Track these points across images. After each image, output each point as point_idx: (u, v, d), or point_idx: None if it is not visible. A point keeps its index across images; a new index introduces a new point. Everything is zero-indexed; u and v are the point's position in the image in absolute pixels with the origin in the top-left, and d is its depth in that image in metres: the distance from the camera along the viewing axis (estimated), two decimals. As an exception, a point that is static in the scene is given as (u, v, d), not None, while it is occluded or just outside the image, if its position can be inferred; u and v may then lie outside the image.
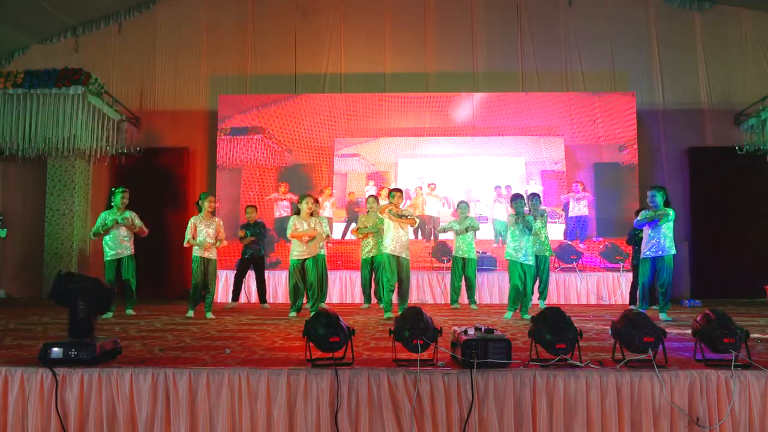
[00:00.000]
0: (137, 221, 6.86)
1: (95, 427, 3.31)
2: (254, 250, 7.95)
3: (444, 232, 8.08)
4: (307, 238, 6.51)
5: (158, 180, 9.76)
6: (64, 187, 9.45)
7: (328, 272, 8.78)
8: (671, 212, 6.29)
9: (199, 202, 6.80)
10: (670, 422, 3.27)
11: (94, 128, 8.90)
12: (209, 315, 6.54)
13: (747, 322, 5.78)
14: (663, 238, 6.27)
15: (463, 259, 7.70)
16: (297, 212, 6.74)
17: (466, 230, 7.65)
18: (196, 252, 6.68)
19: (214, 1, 10.41)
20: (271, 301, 8.94)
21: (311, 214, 6.63)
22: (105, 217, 6.78)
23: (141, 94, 10.24)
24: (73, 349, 3.41)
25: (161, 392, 3.32)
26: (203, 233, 6.65)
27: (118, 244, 6.76)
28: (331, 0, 10.34)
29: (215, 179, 9.75)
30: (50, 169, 9.46)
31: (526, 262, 6.14)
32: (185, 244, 6.78)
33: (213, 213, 6.89)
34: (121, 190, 6.82)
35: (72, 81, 8.58)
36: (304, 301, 6.85)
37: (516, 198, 6.26)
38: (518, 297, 6.19)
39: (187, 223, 6.83)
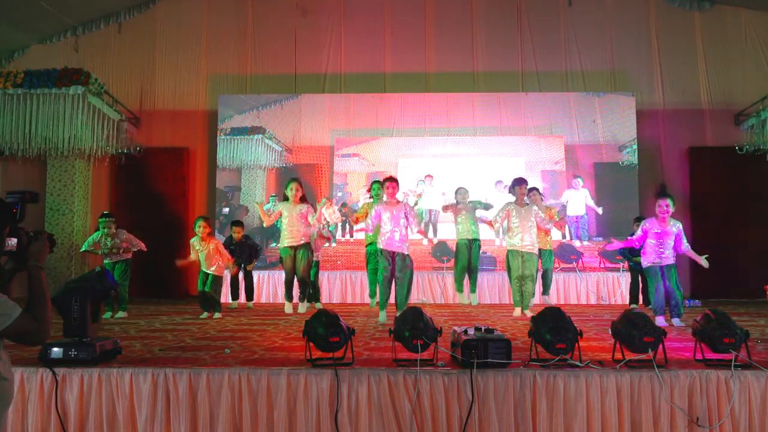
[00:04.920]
0: (133, 243, 6.79)
1: (95, 427, 3.31)
2: (237, 265, 7.63)
3: (447, 210, 7.45)
4: (273, 216, 6.50)
5: (158, 180, 9.76)
6: (64, 187, 9.45)
7: (328, 272, 8.77)
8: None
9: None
10: (670, 422, 3.27)
11: (94, 128, 8.89)
12: (216, 315, 6.52)
13: (747, 322, 5.79)
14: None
15: (469, 240, 7.32)
16: (285, 198, 6.64)
17: (475, 207, 7.40)
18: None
19: (214, 1, 10.40)
20: (271, 301, 8.96)
21: (302, 199, 6.49)
22: (93, 238, 6.74)
23: (141, 94, 10.23)
24: (73, 349, 3.41)
25: (161, 392, 3.33)
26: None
27: (113, 256, 6.79)
28: (331, 0, 10.34)
29: (215, 179, 9.75)
30: (50, 169, 9.46)
31: (527, 252, 6.07)
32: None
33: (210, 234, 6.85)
34: (103, 219, 6.67)
35: (72, 81, 8.57)
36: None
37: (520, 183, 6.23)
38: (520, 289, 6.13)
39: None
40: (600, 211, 9.34)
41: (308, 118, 9.83)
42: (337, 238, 9.53)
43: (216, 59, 10.29)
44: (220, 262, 6.69)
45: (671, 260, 5.92)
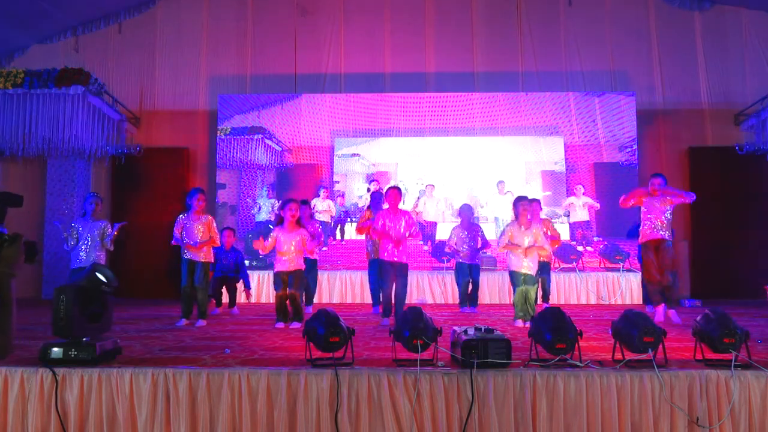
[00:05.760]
0: (107, 231, 6.13)
1: (95, 427, 3.31)
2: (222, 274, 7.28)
3: (453, 253, 7.49)
4: (268, 244, 5.72)
5: (158, 180, 9.77)
6: (64, 187, 9.45)
7: (328, 272, 8.78)
8: None
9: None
10: (670, 422, 3.27)
11: (94, 128, 8.90)
12: (199, 323, 5.82)
13: (747, 322, 5.78)
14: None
15: (470, 265, 7.43)
16: (280, 221, 5.86)
17: (480, 250, 7.42)
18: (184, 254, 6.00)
19: (214, 1, 10.40)
20: (271, 301, 8.93)
21: (297, 223, 5.82)
22: (76, 226, 6.18)
23: (141, 94, 10.23)
24: (73, 349, 3.41)
25: (161, 392, 3.33)
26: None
27: (87, 255, 6.06)
28: (331, 0, 10.34)
29: (215, 179, 9.75)
30: (50, 169, 9.46)
31: (527, 273, 5.85)
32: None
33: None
34: (91, 196, 6.23)
35: (72, 81, 8.57)
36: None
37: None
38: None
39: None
40: (597, 205, 9.34)
41: (308, 118, 9.83)
42: (331, 239, 9.54)
43: (216, 59, 10.29)
44: (205, 249, 5.89)
45: (666, 236, 6.08)
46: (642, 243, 6.25)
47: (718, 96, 9.84)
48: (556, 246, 7.58)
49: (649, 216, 6.14)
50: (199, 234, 5.98)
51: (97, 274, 3.58)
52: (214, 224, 6.15)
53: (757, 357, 3.58)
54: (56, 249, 9.34)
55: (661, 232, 6.06)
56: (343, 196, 9.74)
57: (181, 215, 6.11)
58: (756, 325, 5.55)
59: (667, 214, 6.10)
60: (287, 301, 5.74)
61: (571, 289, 8.92)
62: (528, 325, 5.78)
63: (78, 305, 3.47)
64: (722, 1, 9.97)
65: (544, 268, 7.33)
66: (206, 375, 3.33)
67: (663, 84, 9.95)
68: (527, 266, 5.83)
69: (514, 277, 5.89)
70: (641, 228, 6.25)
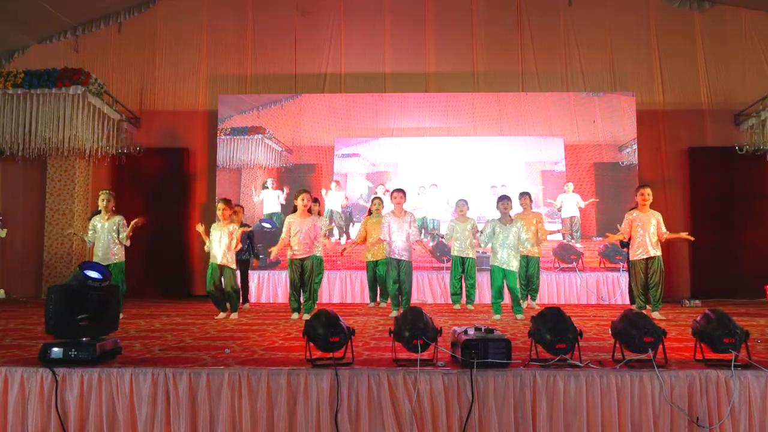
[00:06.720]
0: (122, 230, 6.46)
1: (95, 427, 3.31)
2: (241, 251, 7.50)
3: (449, 239, 7.62)
4: (284, 235, 6.28)
5: (158, 180, 9.77)
6: (64, 187, 9.45)
7: (328, 272, 8.82)
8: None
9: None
10: (670, 422, 3.27)
11: (94, 128, 8.90)
12: (233, 315, 6.34)
13: (747, 322, 5.78)
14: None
15: (462, 258, 7.53)
16: (294, 210, 6.42)
17: (474, 234, 7.44)
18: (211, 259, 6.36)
19: (214, 1, 10.40)
20: (271, 301, 8.97)
21: (309, 211, 6.37)
22: (94, 223, 6.48)
23: (141, 94, 10.23)
24: (73, 349, 3.41)
25: (161, 392, 3.33)
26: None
27: (105, 252, 6.41)
28: (331, 0, 10.34)
29: (215, 179, 9.75)
30: (50, 169, 9.46)
31: (508, 269, 6.18)
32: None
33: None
34: (104, 193, 6.52)
35: (72, 81, 8.57)
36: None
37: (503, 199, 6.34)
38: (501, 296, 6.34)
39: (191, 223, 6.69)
40: (582, 204, 9.36)
41: (308, 118, 9.83)
42: (334, 239, 9.54)
43: (216, 59, 10.28)
44: (231, 254, 6.28)
45: (657, 252, 6.39)
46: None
47: (718, 96, 9.84)
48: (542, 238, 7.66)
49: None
50: (223, 242, 6.34)
51: (85, 271, 3.55)
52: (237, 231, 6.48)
53: (757, 357, 3.58)
54: (56, 249, 9.35)
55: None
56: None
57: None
58: (756, 325, 5.55)
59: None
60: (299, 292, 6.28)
61: (571, 289, 8.93)
62: (498, 317, 6.22)
63: (68, 304, 3.46)
64: (722, 1, 9.97)
65: (532, 265, 7.52)
66: (206, 375, 3.34)
67: (663, 84, 9.94)
68: (503, 260, 6.16)
69: (495, 273, 6.23)
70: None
